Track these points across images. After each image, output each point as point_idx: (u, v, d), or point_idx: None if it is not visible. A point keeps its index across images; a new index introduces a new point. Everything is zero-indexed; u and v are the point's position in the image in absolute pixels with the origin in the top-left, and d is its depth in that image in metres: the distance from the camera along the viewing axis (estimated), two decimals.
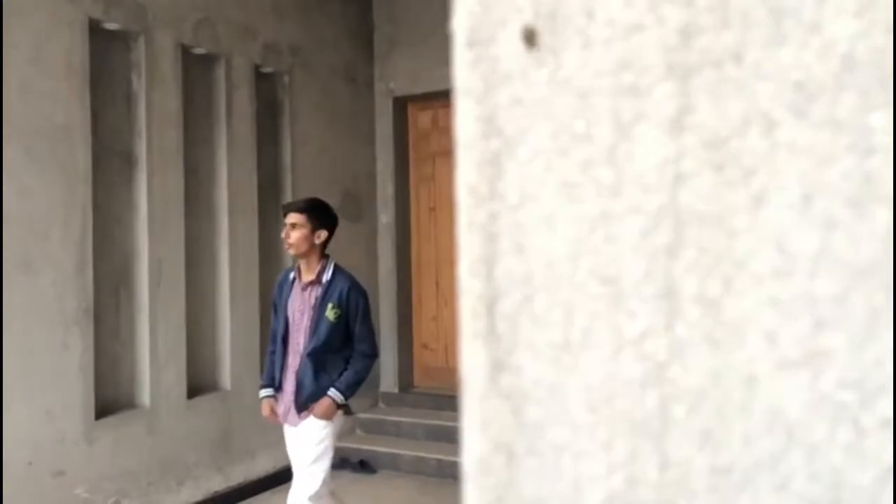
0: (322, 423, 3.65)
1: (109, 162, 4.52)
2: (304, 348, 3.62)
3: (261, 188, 5.40)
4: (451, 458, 5.37)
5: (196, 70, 5.01)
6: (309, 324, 3.60)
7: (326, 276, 3.65)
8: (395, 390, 6.36)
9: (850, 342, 0.57)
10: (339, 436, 3.92)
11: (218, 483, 4.31)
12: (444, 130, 6.26)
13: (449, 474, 5.36)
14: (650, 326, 0.63)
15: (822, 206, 0.58)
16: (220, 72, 5.11)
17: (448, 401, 6.04)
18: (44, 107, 4.03)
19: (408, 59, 6.20)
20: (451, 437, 5.66)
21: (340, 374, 3.65)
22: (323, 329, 3.57)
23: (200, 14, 4.97)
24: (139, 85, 4.60)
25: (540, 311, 0.67)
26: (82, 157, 4.21)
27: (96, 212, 4.32)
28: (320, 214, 3.63)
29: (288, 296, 3.68)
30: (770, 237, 0.59)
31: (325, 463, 3.70)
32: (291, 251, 3.61)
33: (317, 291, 3.63)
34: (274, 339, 3.81)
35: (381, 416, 6.13)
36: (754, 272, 0.59)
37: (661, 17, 0.62)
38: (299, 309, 3.64)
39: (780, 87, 0.58)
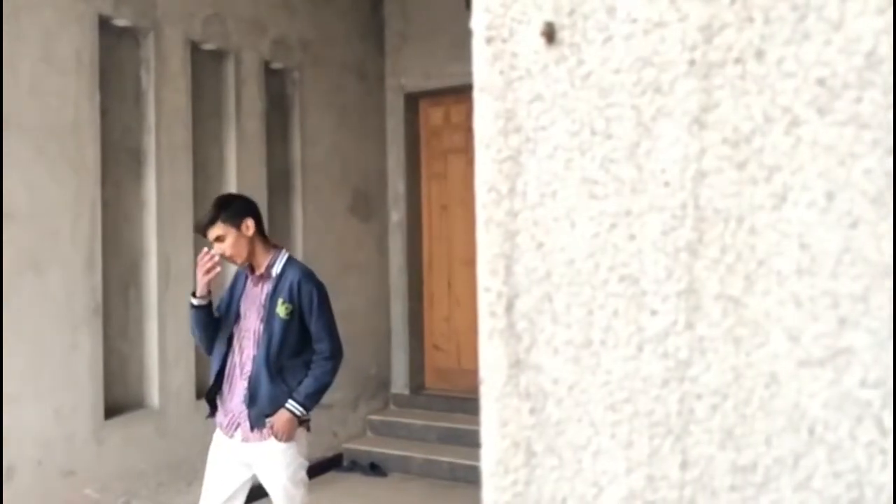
0: (287, 445, 3.14)
1: (118, 159, 4.53)
2: (257, 352, 3.13)
3: (270, 186, 5.40)
4: (464, 462, 5.34)
5: (205, 66, 5.02)
6: (259, 323, 3.14)
7: (277, 269, 3.17)
8: (406, 392, 6.30)
9: (872, 341, 0.56)
10: (307, 453, 3.33)
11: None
12: (456, 127, 6.24)
13: (461, 478, 5.34)
14: (671, 325, 0.62)
15: (845, 204, 0.57)
16: (230, 68, 5.12)
17: (460, 403, 6.01)
18: (53, 103, 4.05)
19: (419, 54, 6.17)
20: (463, 439, 5.64)
21: (301, 381, 3.19)
22: (275, 328, 3.10)
23: (210, 10, 4.98)
24: (148, 81, 4.61)
25: (560, 310, 0.67)
26: (91, 155, 4.23)
27: (105, 209, 4.33)
28: (232, 208, 3.14)
29: (241, 292, 3.22)
30: (792, 235, 0.59)
31: (302, 487, 3.23)
32: (238, 262, 3.15)
33: (267, 286, 3.16)
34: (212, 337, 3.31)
35: (393, 418, 6.09)
36: (777, 270, 0.59)
37: (683, 13, 0.62)
38: (250, 307, 3.19)
39: (802, 84, 0.58)
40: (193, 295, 3.15)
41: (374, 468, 5.67)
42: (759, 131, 0.60)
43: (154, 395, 4.58)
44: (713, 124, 0.61)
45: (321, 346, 3.19)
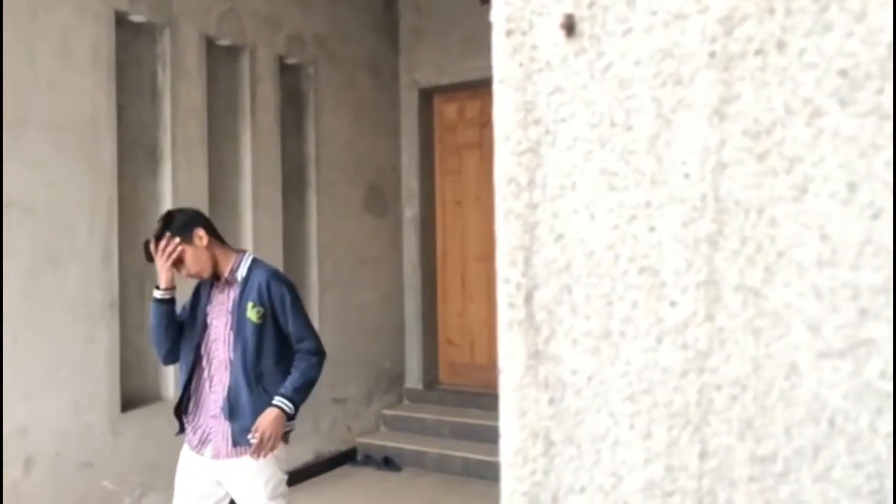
0: (265, 462, 2.91)
1: (134, 155, 4.56)
2: (231, 362, 2.92)
3: (285, 181, 5.42)
4: (477, 457, 5.35)
5: (220, 62, 5.04)
6: (229, 332, 2.93)
7: (242, 272, 2.97)
8: (420, 387, 6.31)
9: (893, 332, 0.56)
10: (287, 462, 3.09)
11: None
12: (470, 122, 6.23)
13: (474, 473, 5.35)
14: (691, 316, 0.63)
15: (867, 195, 0.57)
16: (245, 64, 5.14)
17: (474, 398, 6.02)
18: (70, 100, 4.08)
19: (434, 49, 6.16)
20: (476, 435, 5.64)
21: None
22: (248, 334, 2.90)
23: (225, 5, 5.00)
24: (164, 77, 4.64)
25: (579, 301, 0.67)
26: (108, 151, 4.25)
27: (121, 205, 4.36)
28: (178, 223, 2.93)
29: (207, 301, 3.00)
30: (813, 226, 0.59)
31: (283, 501, 3.01)
32: (205, 276, 2.95)
33: (234, 292, 2.96)
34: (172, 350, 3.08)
35: (406, 413, 6.10)
36: (797, 262, 0.59)
37: (704, 5, 0.62)
38: (218, 315, 2.97)
39: (824, 76, 0.58)
40: (157, 288, 2.96)
41: (388, 462, 5.68)
42: (780, 123, 0.60)
43: (170, 388, 4.61)
44: (733, 116, 0.61)
45: (305, 345, 3.00)
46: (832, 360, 0.58)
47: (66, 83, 4.07)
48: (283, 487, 3.01)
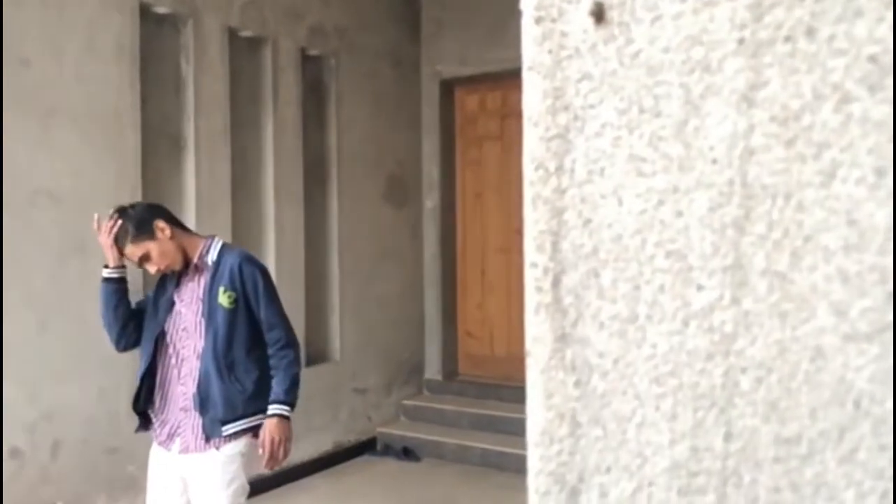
0: (230, 457, 2.76)
1: (158, 145, 4.61)
2: (201, 350, 2.77)
3: (306, 172, 5.45)
4: (496, 448, 5.38)
5: (243, 54, 5.08)
6: (200, 319, 2.78)
7: (212, 257, 2.81)
8: (439, 378, 6.34)
9: None
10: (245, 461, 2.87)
11: (262, 466, 4.37)
12: (491, 114, 6.23)
13: (493, 464, 5.38)
14: (717, 299, 0.63)
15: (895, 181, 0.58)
16: (267, 55, 5.17)
17: (493, 390, 6.05)
18: (96, 91, 4.13)
19: (455, 40, 6.16)
20: (495, 426, 5.67)
21: (256, 381, 2.81)
22: (220, 321, 2.75)
23: None
24: (187, 68, 4.68)
25: (606, 285, 0.68)
26: (132, 141, 4.30)
27: (146, 195, 4.41)
28: (136, 220, 2.76)
29: (174, 288, 2.84)
30: (840, 211, 0.59)
31: None
32: (177, 267, 2.80)
33: (204, 277, 2.81)
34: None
35: (426, 404, 6.13)
36: (824, 246, 0.60)
37: None
38: (187, 302, 2.82)
39: (853, 62, 0.59)
40: (105, 267, 2.84)
41: (407, 453, 5.72)
42: (809, 109, 0.60)
43: None
44: (762, 102, 0.62)
45: (275, 335, 2.85)
46: (858, 343, 0.59)
47: (92, 74, 4.12)
48: (243, 499, 2.85)
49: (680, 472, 0.64)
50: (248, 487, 2.87)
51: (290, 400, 2.84)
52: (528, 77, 0.71)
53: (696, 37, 0.64)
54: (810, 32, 0.60)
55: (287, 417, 2.84)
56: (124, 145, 4.28)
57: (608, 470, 0.67)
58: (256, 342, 2.85)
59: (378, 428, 5.97)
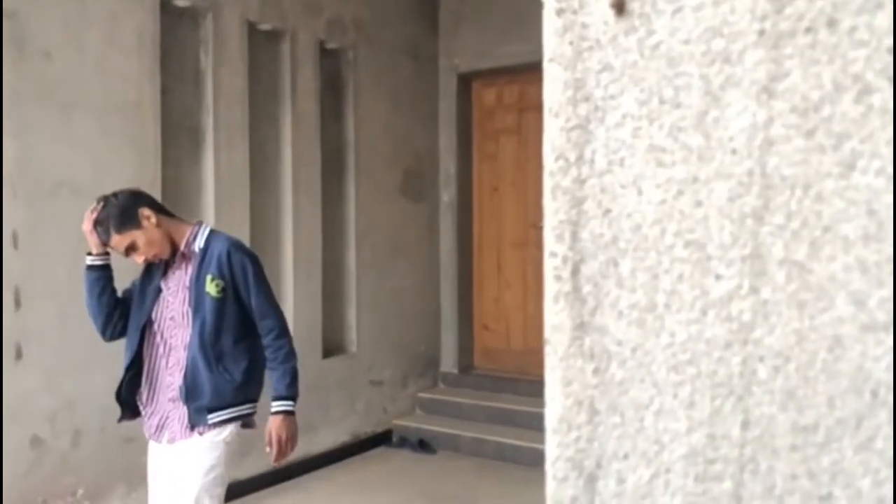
0: (213, 443, 2.69)
1: (178, 138, 4.64)
2: (189, 340, 2.70)
3: (324, 165, 5.48)
4: (511, 441, 5.41)
5: (262, 47, 5.10)
6: (187, 308, 2.71)
7: (199, 244, 2.73)
8: (455, 371, 6.35)
9: None
10: (228, 457, 2.77)
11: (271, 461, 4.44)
12: (508, 108, 6.22)
13: (508, 458, 5.40)
14: (736, 289, 0.64)
15: None
16: (286, 48, 5.19)
17: (509, 384, 6.06)
18: (117, 83, 4.16)
19: (473, 34, 6.16)
20: (511, 419, 5.69)
21: (245, 370, 2.74)
22: (207, 310, 2.67)
23: None
24: (207, 61, 4.70)
25: (625, 274, 0.69)
26: (152, 133, 4.34)
27: (165, 186, 4.45)
28: (119, 209, 2.68)
29: (161, 278, 2.77)
30: (860, 202, 0.60)
31: (217, 502, 2.72)
32: (165, 256, 2.73)
33: (191, 266, 2.72)
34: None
35: (441, 397, 6.15)
36: (843, 236, 0.60)
37: None
38: (174, 291, 2.74)
39: (874, 53, 0.59)
40: (89, 254, 2.77)
41: (423, 445, 5.74)
42: (829, 100, 0.61)
43: None
44: (782, 93, 0.63)
45: (268, 324, 2.76)
46: (876, 333, 0.59)
47: (112, 67, 4.16)
48: (221, 489, 2.75)
49: (697, 460, 0.65)
50: (227, 479, 2.79)
51: (292, 395, 2.79)
52: (549, 68, 0.72)
53: (716, 28, 0.65)
54: (831, 24, 0.60)
55: (292, 412, 2.79)
56: (144, 137, 4.32)
57: (626, 457, 0.68)
58: (245, 331, 2.77)
59: (394, 420, 5.99)
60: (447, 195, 6.44)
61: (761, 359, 0.63)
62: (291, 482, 5.01)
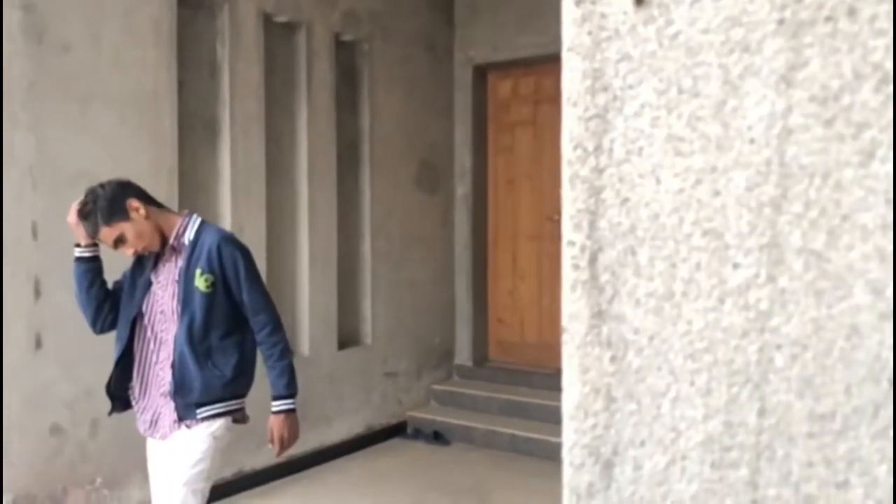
0: (202, 437, 2.65)
1: (194, 129, 4.67)
2: (177, 335, 2.64)
3: (340, 157, 5.49)
4: (525, 434, 5.42)
5: (277, 39, 5.11)
6: (176, 303, 2.64)
7: (189, 236, 2.66)
8: (470, 363, 6.36)
9: None
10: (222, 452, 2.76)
11: (294, 448, 4.46)
12: (524, 100, 6.21)
13: (522, 450, 5.41)
14: (753, 277, 0.64)
15: None
16: (301, 40, 5.20)
17: (524, 376, 6.07)
18: (134, 74, 4.19)
19: (488, 26, 6.15)
20: (525, 412, 5.70)
21: (235, 365, 2.69)
22: (196, 306, 2.61)
23: None
24: (223, 53, 4.73)
25: (643, 263, 0.69)
26: (168, 124, 4.36)
27: (181, 178, 4.47)
28: (107, 200, 2.61)
29: (151, 269, 2.71)
30: (879, 191, 0.60)
31: (201, 499, 2.69)
32: (155, 248, 2.67)
33: (181, 259, 2.66)
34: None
35: (456, 389, 6.17)
36: (861, 225, 0.60)
37: None
38: (163, 284, 2.68)
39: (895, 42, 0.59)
40: (77, 246, 2.71)
41: (438, 437, 5.76)
42: (849, 89, 0.61)
43: None
44: (801, 82, 0.63)
45: (262, 319, 2.71)
46: (894, 322, 0.60)
47: (129, 59, 4.18)
48: (205, 484, 2.71)
49: (713, 447, 0.65)
50: (213, 475, 2.75)
51: (292, 392, 2.76)
52: (567, 58, 0.72)
53: (735, 18, 0.65)
54: (852, 12, 0.60)
55: (293, 410, 2.77)
56: (161, 129, 4.35)
57: (642, 443, 0.69)
58: (235, 325, 2.72)
59: (408, 412, 6.02)
60: (462, 187, 6.44)
61: (778, 347, 0.63)
62: (306, 473, 5.04)
